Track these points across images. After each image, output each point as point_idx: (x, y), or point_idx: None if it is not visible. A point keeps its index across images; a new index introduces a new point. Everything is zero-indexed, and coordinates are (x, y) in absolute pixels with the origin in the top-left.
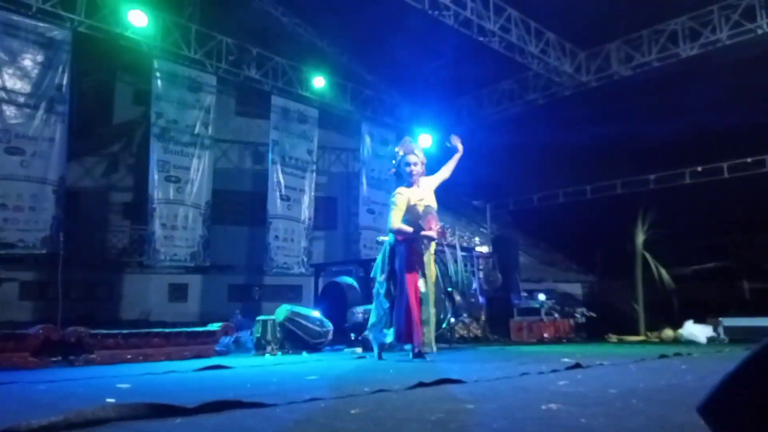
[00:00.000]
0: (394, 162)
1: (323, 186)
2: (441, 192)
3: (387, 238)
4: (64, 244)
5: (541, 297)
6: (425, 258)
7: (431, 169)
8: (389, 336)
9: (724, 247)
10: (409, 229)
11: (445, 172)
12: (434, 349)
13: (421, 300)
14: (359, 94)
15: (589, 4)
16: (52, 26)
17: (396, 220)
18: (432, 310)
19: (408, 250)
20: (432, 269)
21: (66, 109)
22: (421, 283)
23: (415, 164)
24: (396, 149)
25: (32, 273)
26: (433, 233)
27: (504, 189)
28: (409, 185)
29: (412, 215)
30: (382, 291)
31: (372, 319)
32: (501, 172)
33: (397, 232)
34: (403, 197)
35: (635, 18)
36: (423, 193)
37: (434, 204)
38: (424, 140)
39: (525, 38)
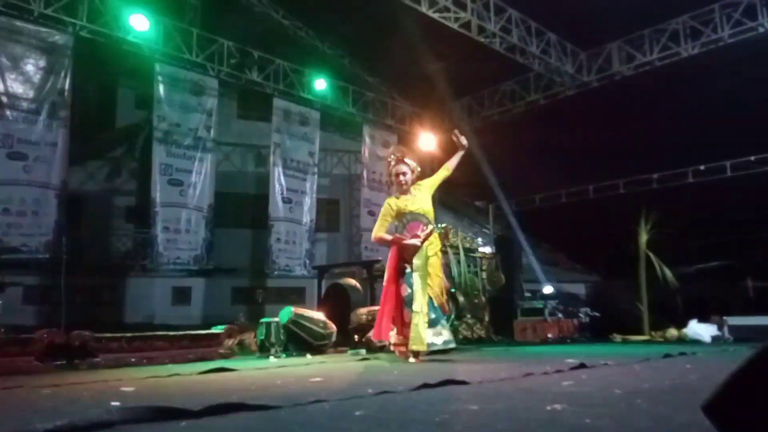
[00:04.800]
0: (387, 170)
1: (326, 188)
2: (442, 193)
3: None
4: (67, 249)
5: (548, 290)
6: (418, 261)
7: (434, 171)
8: (391, 337)
9: (728, 246)
10: (389, 238)
11: (445, 171)
12: (416, 347)
13: (405, 303)
14: (360, 96)
15: (590, 3)
16: (54, 31)
17: (377, 229)
18: (418, 309)
19: (393, 257)
20: (432, 272)
21: (68, 113)
22: (404, 286)
23: (405, 174)
24: (388, 159)
25: (36, 277)
26: (415, 241)
27: (506, 190)
28: (400, 194)
29: (401, 224)
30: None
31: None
32: (503, 172)
33: (378, 240)
34: (388, 208)
35: (636, 17)
36: (414, 200)
37: (426, 207)
38: (426, 141)
39: (526, 39)
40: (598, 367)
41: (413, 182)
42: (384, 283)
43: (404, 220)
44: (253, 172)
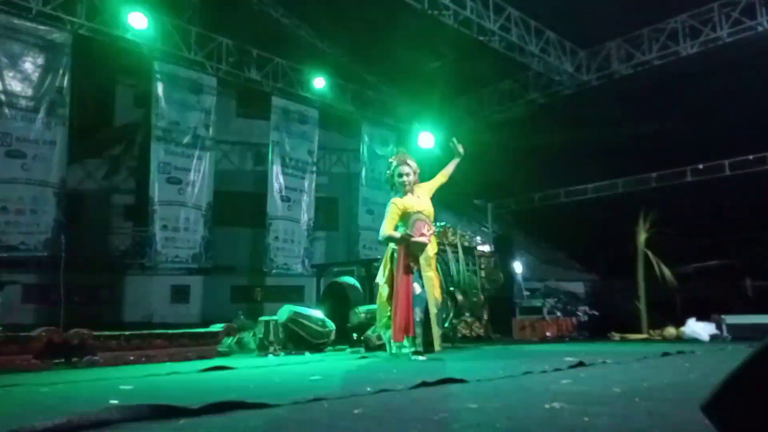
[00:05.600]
0: (388, 173)
1: (324, 186)
2: (442, 191)
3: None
4: (66, 247)
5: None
6: (424, 261)
7: (432, 168)
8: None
9: (727, 245)
10: (398, 236)
11: (442, 177)
12: (439, 348)
13: (415, 302)
14: (360, 95)
15: (589, 2)
16: (53, 29)
17: (386, 228)
18: (433, 311)
19: (402, 255)
20: (433, 271)
21: (67, 111)
22: (415, 285)
23: (408, 174)
24: (390, 160)
25: (34, 276)
26: (423, 239)
27: (505, 188)
28: (403, 195)
29: (409, 223)
30: (384, 294)
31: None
32: (502, 171)
33: (388, 239)
34: (395, 207)
35: (635, 16)
36: (417, 200)
37: (429, 209)
38: (426, 140)
39: (525, 37)
40: (597, 365)
41: (414, 183)
42: (394, 281)
43: (410, 220)
44: (252, 171)
